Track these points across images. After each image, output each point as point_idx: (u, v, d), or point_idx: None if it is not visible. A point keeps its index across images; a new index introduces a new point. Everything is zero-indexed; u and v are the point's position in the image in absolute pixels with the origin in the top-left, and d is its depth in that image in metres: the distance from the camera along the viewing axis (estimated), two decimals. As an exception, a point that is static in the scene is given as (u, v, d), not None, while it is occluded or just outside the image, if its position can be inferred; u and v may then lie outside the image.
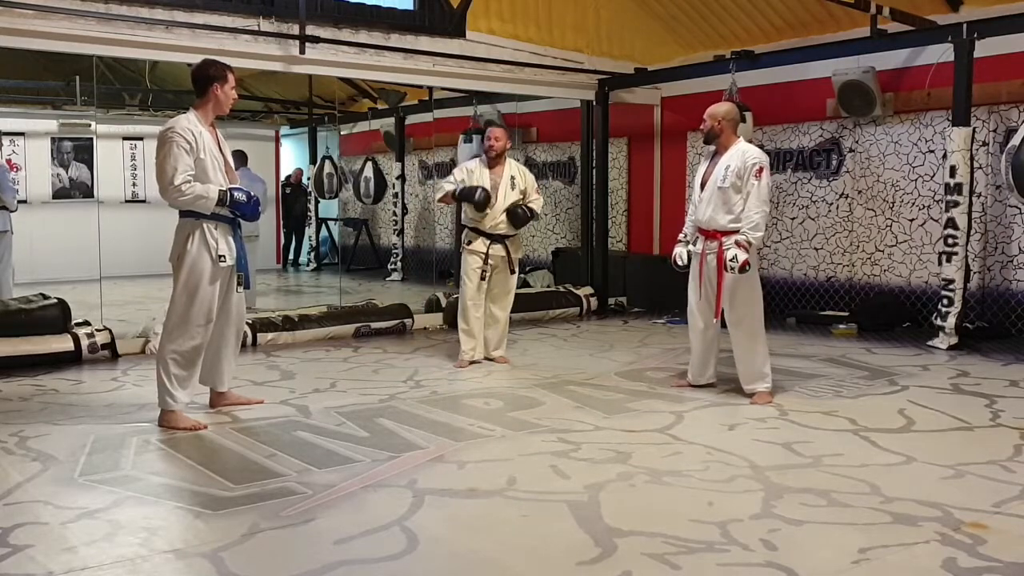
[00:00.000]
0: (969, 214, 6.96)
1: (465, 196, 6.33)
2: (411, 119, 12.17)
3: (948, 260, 6.98)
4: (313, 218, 13.70)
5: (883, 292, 8.29)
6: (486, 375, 6.16)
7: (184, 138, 4.54)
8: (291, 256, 14.12)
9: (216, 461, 4.11)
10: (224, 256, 4.69)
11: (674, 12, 9.42)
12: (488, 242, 6.40)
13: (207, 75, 4.72)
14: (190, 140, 4.56)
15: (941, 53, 7.18)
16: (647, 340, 7.58)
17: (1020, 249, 7.49)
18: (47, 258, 10.74)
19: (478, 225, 6.41)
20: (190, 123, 4.62)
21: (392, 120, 12.33)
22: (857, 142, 8.48)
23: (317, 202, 13.53)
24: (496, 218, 6.37)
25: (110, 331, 6.74)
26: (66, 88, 10.48)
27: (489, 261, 6.41)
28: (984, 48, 6.85)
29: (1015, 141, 6.40)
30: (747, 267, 5.03)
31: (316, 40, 7.39)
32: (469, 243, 6.45)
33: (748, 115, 8.23)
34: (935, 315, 7.15)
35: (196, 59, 7.83)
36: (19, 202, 10.23)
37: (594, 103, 9.55)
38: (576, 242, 10.50)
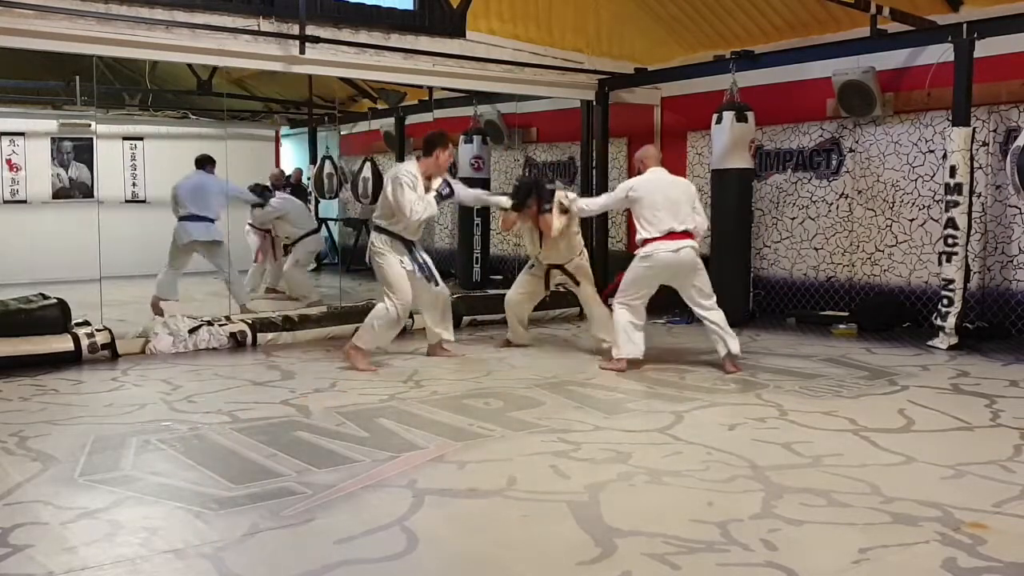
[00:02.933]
0: (969, 214, 6.96)
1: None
2: (411, 119, 12.16)
3: (948, 260, 6.98)
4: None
5: (883, 292, 8.29)
6: (486, 375, 6.17)
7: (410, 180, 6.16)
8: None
9: (216, 461, 4.11)
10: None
11: (674, 12, 9.42)
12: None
13: (433, 142, 6.25)
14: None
15: (941, 53, 7.18)
16: (647, 340, 7.56)
17: (1020, 249, 7.49)
18: (47, 258, 10.74)
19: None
20: (414, 170, 6.20)
21: (392, 120, 12.33)
22: (857, 142, 8.48)
23: (317, 202, 13.51)
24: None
25: (110, 331, 6.73)
26: (66, 88, 10.48)
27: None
28: (984, 48, 6.85)
29: (1020, 142, 6.40)
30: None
31: (316, 40, 7.38)
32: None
33: (749, 115, 8.25)
34: (935, 315, 7.15)
35: (196, 59, 8.02)
36: (19, 202, 10.29)
37: (594, 103, 9.55)
38: (576, 242, 10.49)
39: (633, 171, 6.63)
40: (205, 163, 9.06)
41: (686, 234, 6.16)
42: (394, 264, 6.27)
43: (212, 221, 8.78)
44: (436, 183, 6.29)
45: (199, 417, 4.92)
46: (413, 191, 6.12)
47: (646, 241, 6.20)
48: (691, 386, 5.73)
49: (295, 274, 9.81)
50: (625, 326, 6.30)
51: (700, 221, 6.29)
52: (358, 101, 12.72)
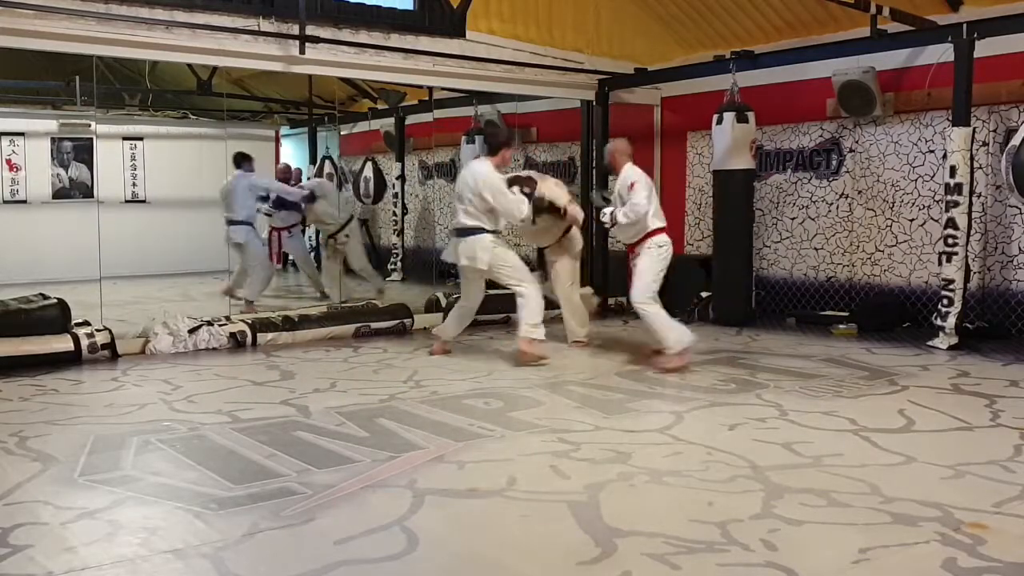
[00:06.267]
0: (969, 214, 6.96)
1: None
2: (411, 119, 12.15)
3: (948, 260, 6.98)
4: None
5: (883, 292, 8.29)
6: (486, 375, 6.17)
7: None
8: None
9: (216, 461, 4.11)
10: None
11: (674, 12, 9.42)
12: None
13: (501, 141, 6.65)
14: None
15: (941, 53, 7.18)
16: (647, 340, 7.57)
17: (1020, 249, 7.49)
18: (47, 258, 10.74)
19: None
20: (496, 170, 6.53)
21: (392, 120, 12.32)
22: (857, 142, 8.48)
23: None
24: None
25: (110, 331, 6.74)
26: (66, 88, 10.48)
27: None
28: (984, 48, 6.85)
29: (1015, 141, 6.40)
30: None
31: (316, 40, 7.38)
32: None
33: (750, 115, 8.24)
34: (935, 315, 7.15)
35: (196, 59, 8.03)
36: (19, 202, 10.29)
37: (594, 103, 9.54)
38: (576, 242, 10.48)
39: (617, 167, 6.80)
40: (240, 162, 9.34)
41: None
42: (512, 252, 6.63)
43: (239, 224, 9.12)
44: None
45: (199, 417, 4.92)
46: (512, 194, 6.51)
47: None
48: (691, 386, 5.73)
49: (367, 268, 10.17)
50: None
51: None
52: (358, 101, 12.71)
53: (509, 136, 6.77)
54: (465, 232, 6.48)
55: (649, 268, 6.36)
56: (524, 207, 6.48)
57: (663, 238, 6.42)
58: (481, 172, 6.45)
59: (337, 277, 10.12)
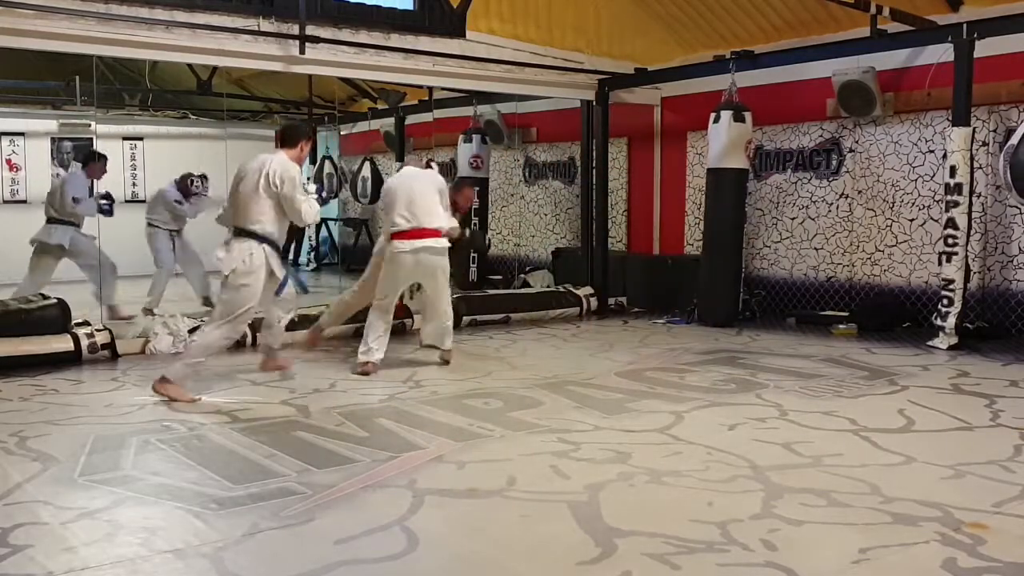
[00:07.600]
0: (969, 214, 6.96)
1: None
2: (411, 119, 12.16)
3: (948, 260, 6.98)
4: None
5: (883, 292, 8.29)
6: (486, 375, 6.17)
7: None
8: (290, 256, 14.11)
9: (216, 461, 4.11)
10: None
11: (674, 12, 9.42)
12: None
13: (303, 133, 5.67)
14: None
15: (941, 53, 7.18)
16: (647, 340, 7.59)
17: (1020, 249, 7.49)
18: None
19: None
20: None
21: (392, 120, 12.33)
22: (857, 142, 8.48)
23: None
24: None
25: (110, 331, 6.74)
26: (66, 88, 10.49)
27: None
28: (984, 48, 6.85)
29: (1013, 141, 6.41)
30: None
31: (316, 40, 7.38)
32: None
33: (747, 115, 8.24)
34: (935, 315, 7.15)
35: (196, 59, 8.03)
36: (19, 202, 10.23)
37: (594, 103, 9.55)
38: (576, 242, 10.50)
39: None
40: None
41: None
42: (261, 284, 5.31)
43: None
44: (311, 186, 5.68)
45: (199, 417, 4.92)
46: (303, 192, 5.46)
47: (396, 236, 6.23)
48: (691, 386, 5.73)
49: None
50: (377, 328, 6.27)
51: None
52: (358, 101, 12.73)
53: (307, 129, 5.69)
54: (242, 234, 5.30)
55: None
56: (315, 212, 5.46)
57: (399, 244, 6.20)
58: (279, 160, 5.36)
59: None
